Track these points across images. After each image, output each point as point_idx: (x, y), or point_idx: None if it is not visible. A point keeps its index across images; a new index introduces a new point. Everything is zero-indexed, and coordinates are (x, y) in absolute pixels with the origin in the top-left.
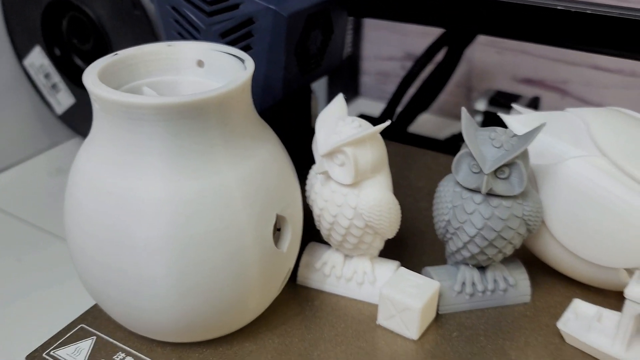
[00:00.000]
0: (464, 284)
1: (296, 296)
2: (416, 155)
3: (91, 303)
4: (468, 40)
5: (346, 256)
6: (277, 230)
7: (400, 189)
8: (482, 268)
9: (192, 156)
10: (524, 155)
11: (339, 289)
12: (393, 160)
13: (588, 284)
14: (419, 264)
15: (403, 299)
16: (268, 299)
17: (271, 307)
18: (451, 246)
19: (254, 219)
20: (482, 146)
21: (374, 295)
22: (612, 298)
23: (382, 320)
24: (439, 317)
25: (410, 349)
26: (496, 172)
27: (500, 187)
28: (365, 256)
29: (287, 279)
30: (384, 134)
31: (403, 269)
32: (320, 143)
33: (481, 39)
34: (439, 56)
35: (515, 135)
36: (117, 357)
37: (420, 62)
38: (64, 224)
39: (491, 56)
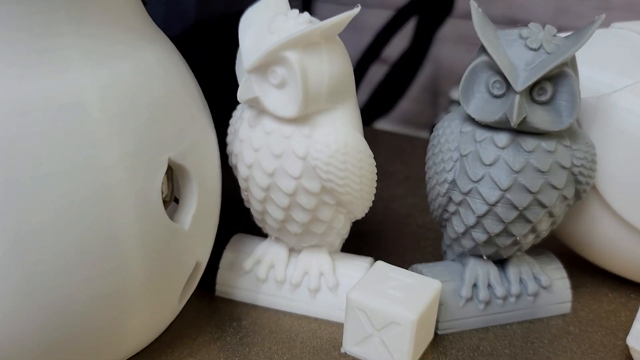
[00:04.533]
0: (475, 285)
1: (214, 314)
2: (387, 138)
3: None
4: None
5: (292, 250)
6: (175, 201)
7: None
8: (499, 262)
9: (20, 43)
10: (574, 64)
11: (282, 300)
12: None
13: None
14: (401, 265)
15: (387, 307)
16: (162, 313)
17: (170, 330)
18: (456, 226)
19: (127, 159)
20: (510, 49)
21: (336, 309)
22: None
23: (349, 345)
24: (438, 340)
25: None
26: (532, 91)
27: (539, 116)
28: (321, 249)
29: (194, 284)
30: None
31: (381, 263)
32: (246, 51)
33: (449, 32)
34: (401, 47)
35: (557, 34)
36: None
37: (382, 35)
38: None
39: (460, 54)
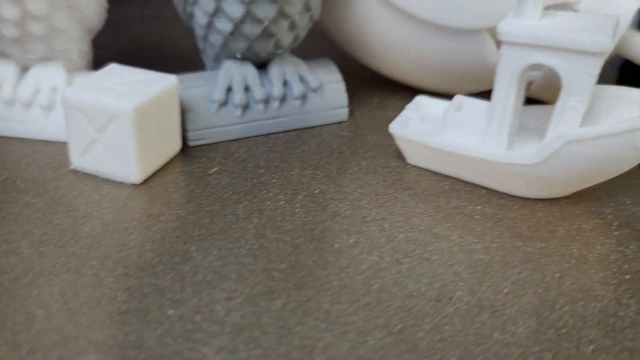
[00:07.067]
0: (230, 89)
1: None
2: None
3: None
4: None
5: (25, 70)
6: None
7: None
8: (262, 67)
9: None
10: None
11: (12, 124)
12: None
13: (427, 88)
14: None
15: (103, 100)
16: None
17: None
18: (199, 18)
19: None
20: None
21: None
22: None
23: (76, 158)
24: (188, 151)
25: (124, 197)
26: None
27: None
28: (54, 63)
29: None
30: None
31: (116, 65)
32: None
33: None
34: None
35: None
36: None
37: None
38: None
39: None
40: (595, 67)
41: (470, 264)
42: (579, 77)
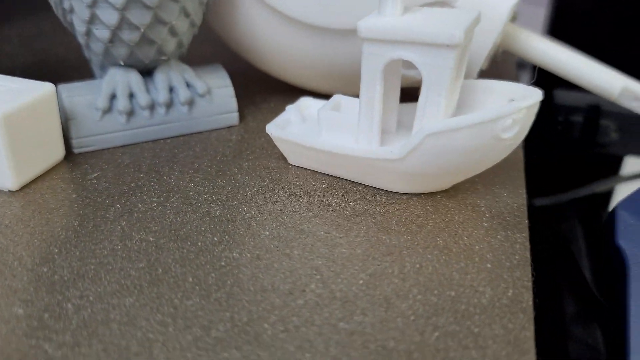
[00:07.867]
0: (114, 96)
1: None
2: None
3: None
4: None
5: None
6: None
7: None
8: (149, 74)
9: None
10: None
11: None
12: None
13: (320, 90)
14: None
15: None
16: None
17: None
18: (78, 26)
19: None
20: None
21: None
22: None
23: None
24: (72, 158)
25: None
26: None
27: None
28: None
29: None
30: None
31: None
32: None
33: None
34: None
35: None
36: None
37: None
38: None
39: None
40: (450, 59)
41: (331, 258)
42: (436, 71)
